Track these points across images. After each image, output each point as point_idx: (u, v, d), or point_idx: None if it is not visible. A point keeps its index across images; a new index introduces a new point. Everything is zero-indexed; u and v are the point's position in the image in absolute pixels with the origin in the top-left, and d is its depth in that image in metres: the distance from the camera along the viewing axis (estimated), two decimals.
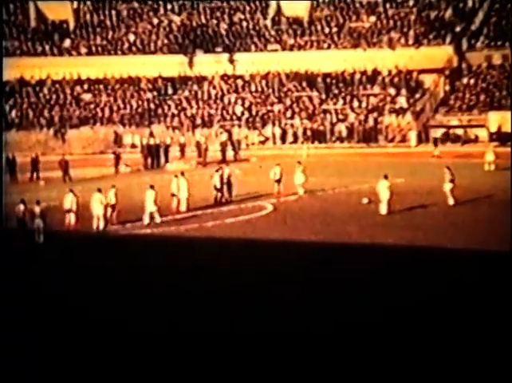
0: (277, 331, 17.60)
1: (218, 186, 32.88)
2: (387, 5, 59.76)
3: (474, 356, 15.79)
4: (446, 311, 18.65)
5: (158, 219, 29.32)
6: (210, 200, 32.85)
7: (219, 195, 32.93)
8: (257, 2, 61.77)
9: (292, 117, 54.43)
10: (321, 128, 53.29)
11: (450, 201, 30.72)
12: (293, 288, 20.86)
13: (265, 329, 17.79)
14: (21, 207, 27.71)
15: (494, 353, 15.79)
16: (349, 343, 16.83)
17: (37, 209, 27.52)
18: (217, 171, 33.86)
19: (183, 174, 32.49)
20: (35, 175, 42.76)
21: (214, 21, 61.32)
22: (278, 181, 34.11)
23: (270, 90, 56.55)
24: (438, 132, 51.60)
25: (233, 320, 18.41)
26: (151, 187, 29.78)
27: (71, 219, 28.99)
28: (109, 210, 29.31)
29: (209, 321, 18.46)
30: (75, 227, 28.89)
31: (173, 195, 31.43)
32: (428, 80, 55.07)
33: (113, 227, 29.27)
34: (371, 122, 52.87)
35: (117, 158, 45.70)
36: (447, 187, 30.91)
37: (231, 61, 58.27)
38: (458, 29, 57.28)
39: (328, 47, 58.26)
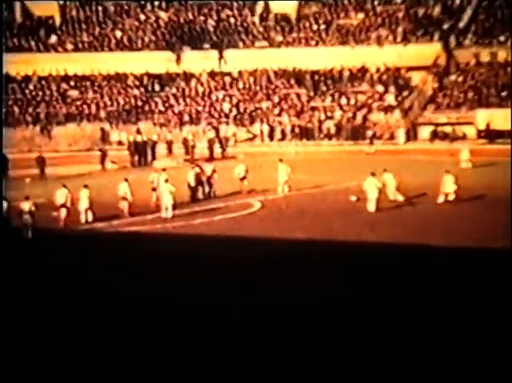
0: (265, 327, 17.45)
1: (193, 184, 32.77)
2: (376, 3, 59.75)
3: (473, 355, 15.66)
4: (432, 309, 18.54)
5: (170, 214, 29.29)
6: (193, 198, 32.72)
7: (194, 192, 32.82)
8: None
9: (280, 114, 54.28)
10: (309, 125, 53.19)
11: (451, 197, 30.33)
12: (280, 286, 20.71)
13: (253, 325, 17.64)
14: (4, 204, 27.41)
15: (494, 353, 15.65)
16: (336, 340, 16.68)
17: (25, 205, 27.25)
18: (192, 168, 33.81)
19: (164, 170, 32.32)
20: None
21: (202, 18, 61.11)
22: (243, 179, 34.06)
23: (258, 87, 56.39)
24: (426, 130, 51.71)
25: (222, 317, 18.24)
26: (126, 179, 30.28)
27: (63, 213, 28.67)
28: (123, 203, 29.69)
29: (198, 319, 18.27)
30: (66, 221, 28.62)
31: (154, 189, 31.25)
32: (416, 77, 55.08)
33: (99, 224, 29.07)
34: (359, 119, 52.78)
35: (104, 155, 45.43)
36: (450, 188, 30.36)
37: (219, 57, 58.05)
38: (446, 26, 57.31)
39: (316, 44, 58.15)
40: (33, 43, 60.26)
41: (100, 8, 62.34)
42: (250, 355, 16.00)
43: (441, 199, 30.51)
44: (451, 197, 30.44)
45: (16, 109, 56.65)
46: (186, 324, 18.05)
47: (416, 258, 23.29)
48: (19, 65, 58.05)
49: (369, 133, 50.64)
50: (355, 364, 15.53)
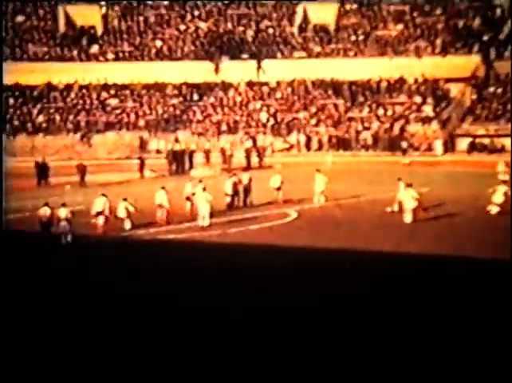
0: (297, 337, 17.57)
1: (230, 192, 33.09)
2: (415, 14, 59.61)
3: (481, 359, 15.65)
4: (470, 320, 18.50)
5: (207, 222, 29.55)
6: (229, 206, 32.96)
7: (231, 200, 33.12)
8: (284, 9, 61.88)
9: (317, 125, 54.40)
10: (346, 135, 53.21)
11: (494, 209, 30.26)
12: (316, 296, 20.82)
13: (286, 334, 17.76)
14: (47, 210, 27.92)
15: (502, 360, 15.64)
16: (364, 349, 16.74)
17: (63, 212, 27.73)
18: (230, 177, 34.15)
19: (200, 181, 32.43)
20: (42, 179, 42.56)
21: (241, 28, 61.49)
22: (278, 189, 34.26)
23: (296, 97, 56.56)
24: (464, 142, 51.50)
25: (254, 326, 18.39)
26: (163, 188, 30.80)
27: (101, 221, 29.05)
28: (160, 211, 30.14)
29: (230, 327, 18.45)
30: (104, 229, 29.01)
31: (188, 198, 31.56)
32: (455, 89, 54.83)
33: (137, 231, 29.43)
34: (396, 130, 52.70)
35: (142, 163, 45.91)
36: (499, 199, 30.29)
37: (257, 67, 58.37)
38: (486, 37, 56.98)
39: (355, 55, 58.20)
40: (75, 52, 61.19)
41: (141, 18, 63.09)
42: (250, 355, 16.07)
43: (494, 210, 30.24)
44: (495, 209, 30.24)
45: (57, 117, 57.55)
46: (217, 331, 18.21)
47: (455, 269, 23.23)
48: (61, 73, 58.97)
49: (404, 145, 50.55)
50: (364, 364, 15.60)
